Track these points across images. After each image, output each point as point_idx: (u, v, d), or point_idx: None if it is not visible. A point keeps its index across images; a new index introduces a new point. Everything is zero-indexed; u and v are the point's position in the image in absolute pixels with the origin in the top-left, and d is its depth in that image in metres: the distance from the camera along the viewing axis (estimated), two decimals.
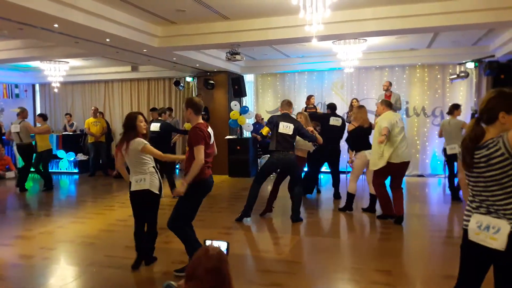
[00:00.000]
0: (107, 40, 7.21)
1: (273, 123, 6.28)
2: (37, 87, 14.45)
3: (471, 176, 2.34)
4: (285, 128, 6.19)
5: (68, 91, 13.87)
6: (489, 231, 2.23)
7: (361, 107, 7.09)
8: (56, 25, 6.13)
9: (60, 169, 12.10)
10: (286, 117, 6.37)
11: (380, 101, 6.50)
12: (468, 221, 2.37)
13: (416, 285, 4.10)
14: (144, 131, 4.34)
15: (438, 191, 9.24)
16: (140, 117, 4.34)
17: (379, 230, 6.06)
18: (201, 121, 4.19)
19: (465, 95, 10.63)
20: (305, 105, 10.42)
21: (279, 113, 6.72)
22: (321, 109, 11.16)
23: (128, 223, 6.39)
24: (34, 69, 12.03)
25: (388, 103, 6.32)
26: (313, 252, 5.14)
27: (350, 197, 6.93)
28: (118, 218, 6.70)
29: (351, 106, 10.23)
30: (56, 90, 11.20)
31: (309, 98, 10.37)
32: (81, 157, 12.22)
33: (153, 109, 9.41)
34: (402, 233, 5.98)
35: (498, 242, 2.19)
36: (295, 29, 7.00)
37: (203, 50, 9.51)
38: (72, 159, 12.06)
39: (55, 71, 10.55)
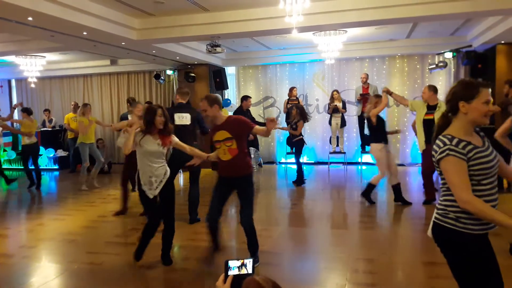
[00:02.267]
0: (84, 33, 7.07)
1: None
2: (13, 83, 14.12)
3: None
4: (181, 119, 5.80)
5: (46, 86, 13.58)
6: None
7: (380, 96, 6.78)
8: (30, 18, 5.98)
9: (40, 166, 11.84)
10: (182, 108, 5.94)
11: (428, 86, 6.48)
12: None
13: (398, 272, 4.17)
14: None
15: (418, 180, 9.39)
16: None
17: (361, 219, 6.14)
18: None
19: (444, 84, 10.78)
20: (288, 97, 10.45)
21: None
22: (303, 101, 11.21)
23: (109, 219, 6.34)
24: (9, 64, 11.71)
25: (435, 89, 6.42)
26: (296, 243, 5.18)
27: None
28: (99, 214, 6.61)
29: (332, 97, 10.31)
30: (33, 85, 10.95)
31: (291, 90, 10.41)
32: (61, 153, 12.02)
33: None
34: (384, 221, 6.08)
35: (429, 230, 2.36)
36: (275, 20, 6.97)
37: (183, 43, 9.42)
38: (51, 155, 11.85)
39: (32, 66, 10.30)
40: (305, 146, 8.93)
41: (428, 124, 6.18)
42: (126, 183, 6.50)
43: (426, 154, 6.24)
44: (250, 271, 1.54)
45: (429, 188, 6.71)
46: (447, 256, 2.29)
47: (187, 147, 4.38)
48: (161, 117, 4.09)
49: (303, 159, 8.73)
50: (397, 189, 6.63)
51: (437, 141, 2.19)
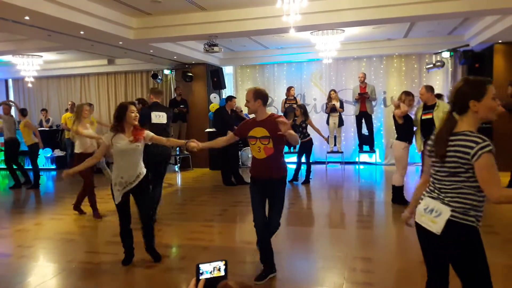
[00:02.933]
0: (81, 32, 7.05)
1: (144, 115, 5.84)
2: (10, 82, 14.07)
3: (437, 162, 2.34)
4: (158, 118, 5.88)
5: (43, 86, 13.55)
6: (432, 214, 2.29)
7: (410, 93, 6.63)
8: (27, 18, 5.96)
9: (39, 166, 11.83)
10: (158, 107, 6.03)
11: (425, 87, 6.36)
12: (420, 202, 2.45)
13: (396, 271, 4.17)
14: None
15: (415, 179, 9.41)
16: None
17: (358, 218, 6.15)
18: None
19: (441, 84, 10.81)
20: (285, 97, 10.46)
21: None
22: (301, 100, 11.22)
23: (108, 218, 6.33)
24: (6, 63, 11.67)
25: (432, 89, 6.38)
26: (294, 242, 5.18)
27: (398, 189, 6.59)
28: None
29: (330, 97, 10.32)
30: (30, 85, 10.93)
31: (289, 89, 10.41)
32: (58, 153, 11.99)
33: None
34: (382, 221, 6.09)
35: (436, 226, 2.26)
36: (272, 19, 6.98)
37: (180, 42, 9.41)
38: (49, 155, 11.82)
39: (29, 65, 10.27)
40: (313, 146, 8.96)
41: (427, 124, 6.16)
42: None
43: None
44: (223, 274, 1.52)
45: None
46: (459, 253, 2.27)
47: (163, 139, 4.42)
48: (133, 113, 4.12)
49: (300, 158, 8.73)
50: (395, 190, 6.57)
51: (468, 139, 2.17)
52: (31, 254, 4.87)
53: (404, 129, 6.37)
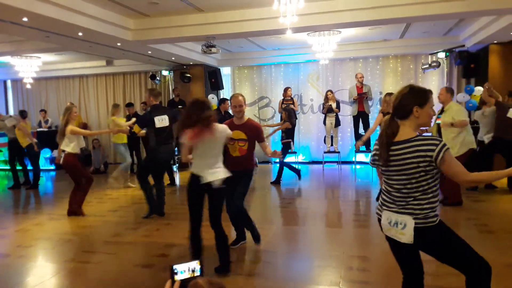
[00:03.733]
0: (79, 34, 7.09)
1: (147, 120, 6.00)
2: (8, 83, 14.09)
3: (387, 170, 2.44)
4: (161, 121, 5.94)
5: (42, 87, 13.57)
6: (398, 227, 2.38)
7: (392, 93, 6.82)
8: (25, 19, 6.00)
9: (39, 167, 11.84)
10: (159, 109, 6.11)
11: (445, 88, 6.36)
12: (380, 215, 2.52)
13: (392, 270, 4.19)
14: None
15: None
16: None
17: (355, 217, 6.20)
18: None
19: (437, 84, 10.88)
20: (283, 97, 10.51)
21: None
22: (298, 101, 11.27)
23: (107, 218, 6.37)
24: (4, 64, 11.69)
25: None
26: (290, 241, 5.23)
27: None
28: (96, 214, 6.64)
29: (326, 97, 10.37)
30: (28, 86, 10.96)
31: (286, 90, 10.46)
32: (57, 153, 11.98)
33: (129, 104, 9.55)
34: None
35: (406, 237, 2.35)
36: (269, 21, 7.03)
37: (178, 43, 9.45)
38: (48, 155, 11.83)
39: (27, 66, 10.30)
40: (290, 150, 9.00)
41: (440, 128, 6.24)
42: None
43: None
44: (198, 274, 1.53)
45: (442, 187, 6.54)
46: (434, 251, 2.39)
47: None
48: None
49: (298, 158, 8.77)
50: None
51: (429, 142, 2.29)
52: (30, 254, 4.90)
53: None
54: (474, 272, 2.31)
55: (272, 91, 12.06)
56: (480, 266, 2.30)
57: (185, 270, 1.51)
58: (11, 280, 4.12)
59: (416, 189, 2.32)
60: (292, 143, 8.79)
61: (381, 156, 2.41)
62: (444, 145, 2.27)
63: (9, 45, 8.82)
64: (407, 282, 2.61)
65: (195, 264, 1.53)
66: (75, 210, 6.50)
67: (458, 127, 6.08)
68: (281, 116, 9.86)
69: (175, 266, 1.50)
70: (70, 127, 6.27)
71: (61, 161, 6.36)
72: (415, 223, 2.31)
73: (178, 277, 1.49)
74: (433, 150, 2.25)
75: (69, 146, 6.31)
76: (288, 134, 8.77)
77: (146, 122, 6.04)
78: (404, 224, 2.33)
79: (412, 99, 2.39)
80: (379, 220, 2.52)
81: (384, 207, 2.47)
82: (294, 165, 9.20)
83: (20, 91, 13.86)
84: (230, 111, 5.71)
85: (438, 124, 6.31)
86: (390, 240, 2.50)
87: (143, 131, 6.42)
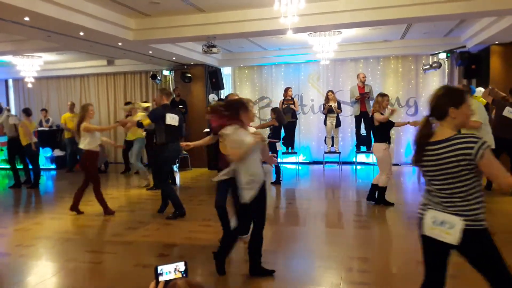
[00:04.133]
0: (81, 33, 7.10)
1: (158, 115, 6.04)
2: (10, 83, 14.10)
3: (429, 171, 2.42)
4: (172, 119, 6.04)
5: (43, 86, 13.58)
6: (444, 226, 2.35)
7: (385, 95, 6.67)
8: (26, 18, 6.01)
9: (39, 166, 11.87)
10: (171, 109, 6.21)
11: (462, 86, 6.36)
12: (423, 214, 2.48)
13: (393, 271, 4.22)
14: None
15: (412, 180, 9.47)
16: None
17: (356, 218, 6.20)
18: None
19: (438, 85, 10.82)
20: (283, 97, 10.51)
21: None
22: (298, 101, 11.28)
23: (107, 218, 6.38)
24: (6, 64, 11.70)
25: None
26: (290, 241, 5.22)
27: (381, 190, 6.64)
28: (96, 213, 6.64)
29: (327, 98, 10.38)
30: (30, 85, 10.97)
31: (286, 90, 10.47)
32: (58, 152, 12.03)
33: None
34: (379, 221, 6.14)
35: (451, 237, 2.32)
36: (270, 21, 7.03)
37: (179, 43, 9.46)
38: (48, 155, 11.86)
39: (29, 66, 10.31)
40: (279, 150, 8.88)
41: None
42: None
43: None
44: (184, 275, 1.52)
45: None
46: (474, 254, 2.35)
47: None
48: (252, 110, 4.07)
49: (299, 158, 8.76)
50: (379, 190, 6.58)
51: (468, 139, 2.27)
52: (30, 253, 4.91)
53: (381, 130, 6.44)
54: (502, 284, 2.29)
55: (273, 91, 12.06)
56: (509, 280, 2.28)
57: (170, 271, 1.50)
58: (12, 279, 4.13)
59: (460, 189, 2.30)
60: (278, 143, 8.62)
61: (415, 156, 2.41)
62: (484, 142, 2.22)
63: (10, 44, 8.84)
64: (429, 284, 2.57)
65: (181, 265, 1.53)
66: (76, 207, 6.57)
67: (467, 128, 6.13)
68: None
69: (159, 267, 1.49)
70: (83, 124, 6.32)
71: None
72: (465, 225, 2.28)
73: (162, 278, 1.48)
74: (472, 148, 2.23)
75: (83, 143, 6.39)
76: (275, 134, 8.63)
77: (158, 116, 6.07)
78: (452, 224, 2.31)
79: (447, 100, 2.38)
80: (420, 219, 2.50)
81: (429, 207, 2.44)
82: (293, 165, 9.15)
83: (22, 90, 13.87)
84: None
85: None
86: (427, 240, 2.47)
87: (148, 121, 6.34)
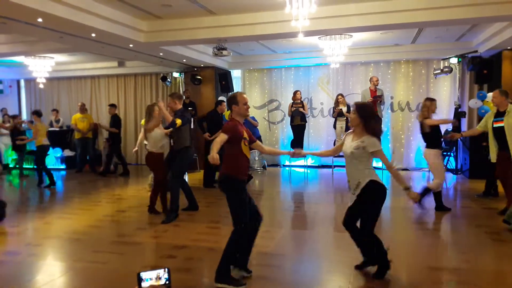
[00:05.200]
0: (92, 35, 7.17)
1: (188, 119, 6.11)
2: (22, 83, 14.27)
3: None
4: (193, 123, 6.30)
5: (54, 87, 13.72)
6: None
7: (433, 99, 6.51)
8: (40, 20, 6.08)
9: (47, 165, 11.97)
10: (186, 112, 6.25)
11: (499, 90, 6.21)
12: None
13: (402, 276, 4.17)
14: None
15: (422, 185, 9.38)
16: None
17: None
18: None
19: (448, 90, 10.79)
20: (292, 101, 10.50)
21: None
22: (307, 104, 11.26)
23: (116, 218, 6.41)
24: (18, 64, 11.86)
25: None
26: (298, 245, 5.20)
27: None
28: (105, 214, 6.68)
29: (337, 101, 10.35)
30: (41, 86, 11.11)
31: (295, 93, 10.46)
32: (68, 153, 12.13)
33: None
34: (388, 225, 6.09)
35: None
36: (281, 24, 7.04)
37: (189, 45, 9.50)
38: (58, 155, 11.96)
39: (40, 66, 10.44)
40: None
41: (498, 132, 6.04)
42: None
43: (500, 161, 6.10)
44: (166, 282, 1.52)
45: (510, 195, 6.14)
46: None
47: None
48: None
49: (307, 161, 8.75)
50: (435, 195, 6.44)
51: None
52: (40, 252, 4.95)
53: (433, 136, 6.26)
54: None
55: (282, 94, 12.06)
56: None
57: (151, 277, 1.51)
58: (21, 278, 4.15)
59: None
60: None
61: None
62: None
63: (23, 45, 8.94)
64: None
65: (162, 272, 1.53)
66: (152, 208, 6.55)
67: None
68: (292, 118, 9.90)
69: (141, 273, 1.50)
70: (149, 126, 6.24)
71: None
72: None
73: (144, 285, 1.48)
74: None
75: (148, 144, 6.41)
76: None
77: (187, 120, 6.10)
78: None
79: None
80: None
81: None
82: (302, 169, 9.11)
83: (33, 91, 14.03)
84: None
85: (496, 128, 6.09)
86: None
87: (180, 122, 6.26)
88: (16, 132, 10.53)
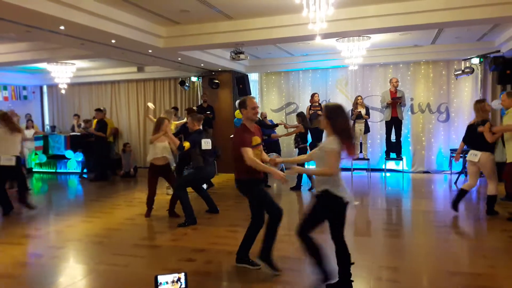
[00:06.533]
0: (113, 41, 7.29)
1: (196, 141, 6.25)
2: (44, 89, 14.61)
3: None
4: (206, 144, 6.33)
5: (75, 92, 14.00)
6: None
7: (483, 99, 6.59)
8: (62, 27, 6.21)
9: (68, 169, 12.23)
10: (203, 133, 6.47)
11: (507, 93, 6.18)
12: None
13: (423, 281, 4.11)
14: None
15: (444, 187, 9.23)
16: None
17: (385, 226, 6.08)
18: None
19: (470, 91, 10.59)
20: (310, 103, 10.46)
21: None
22: None
23: (136, 222, 6.48)
24: (41, 71, 12.15)
25: None
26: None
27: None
28: (125, 217, 6.77)
29: (356, 103, 10.26)
30: (63, 91, 11.34)
31: (312, 96, 10.40)
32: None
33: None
34: (409, 229, 6.00)
35: None
36: (298, 27, 7.03)
37: (207, 50, 9.57)
38: (80, 159, 12.16)
39: (62, 72, 10.67)
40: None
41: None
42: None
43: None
44: (183, 286, 1.53)
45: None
46: None
47: None
48: None
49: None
50: (490, 200, 6.30)
51: None
52: (62, 255, 5.04)
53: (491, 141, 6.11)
54: None
55: (300, 97, 12.03)
56: None
57: (168, 281, 1.53)
58: (45, 280, 4.24)
59: None
60: (308, 148, 8.67)
61: None
62: None
63: (46, 52, 9.15)
64: None
65: (180, 276, 1.55)
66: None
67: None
68: (310, 120, 9.85)
69: (159, 277, 1.52)
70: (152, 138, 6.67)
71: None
72: None
73: None
74: None
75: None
76: (303, 139, 8.70)
77: (196, 142, 6.28)
78: None
79: None
80: None
81: None
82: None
83: (55, 96, 14.34)
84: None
85: None
86: None
87: (188, 145, 6.44)
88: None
